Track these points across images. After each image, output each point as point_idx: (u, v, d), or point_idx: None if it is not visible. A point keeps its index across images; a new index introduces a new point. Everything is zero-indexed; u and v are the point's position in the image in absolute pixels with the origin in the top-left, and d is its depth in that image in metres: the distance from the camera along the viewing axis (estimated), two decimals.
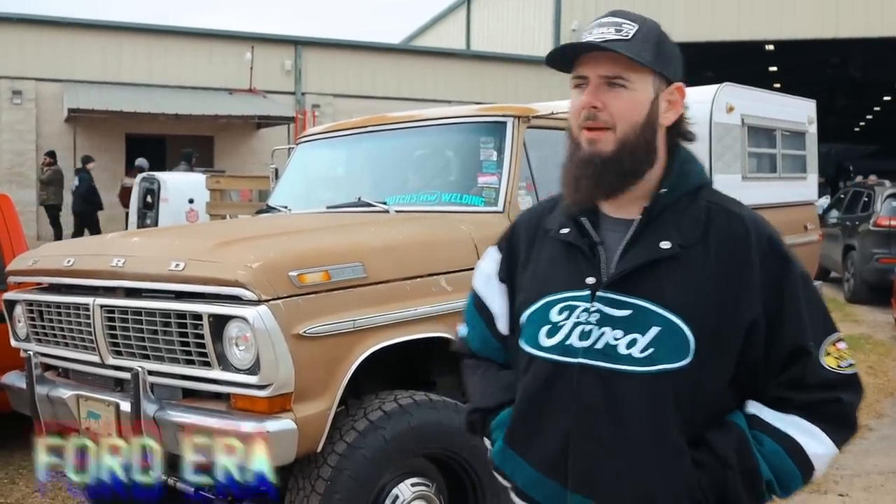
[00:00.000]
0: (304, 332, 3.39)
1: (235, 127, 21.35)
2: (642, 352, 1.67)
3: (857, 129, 46.43)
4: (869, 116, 43.98)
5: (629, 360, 1.68)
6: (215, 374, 3.47)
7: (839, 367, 1.73)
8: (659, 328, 1.67)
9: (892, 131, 41.15)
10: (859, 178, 23.26)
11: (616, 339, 1.69)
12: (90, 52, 20.75)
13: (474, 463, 3.86)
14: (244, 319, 3.31)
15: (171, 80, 21.37)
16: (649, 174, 1.77)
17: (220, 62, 22.04)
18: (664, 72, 1.77)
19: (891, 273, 11.66)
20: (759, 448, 1.69)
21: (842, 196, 16.46)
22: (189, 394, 3.67)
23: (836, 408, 1.73)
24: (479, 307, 2.03)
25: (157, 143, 21.27)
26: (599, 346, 1.70)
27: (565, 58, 1.78)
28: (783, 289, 1.71)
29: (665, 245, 1.70)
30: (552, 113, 4.86)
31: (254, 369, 3.34)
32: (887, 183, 14.82)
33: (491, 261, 2.02)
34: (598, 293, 1.73)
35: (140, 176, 14.82)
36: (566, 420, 1.72)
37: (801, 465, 1.71)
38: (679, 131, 1.83)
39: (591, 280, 1.74)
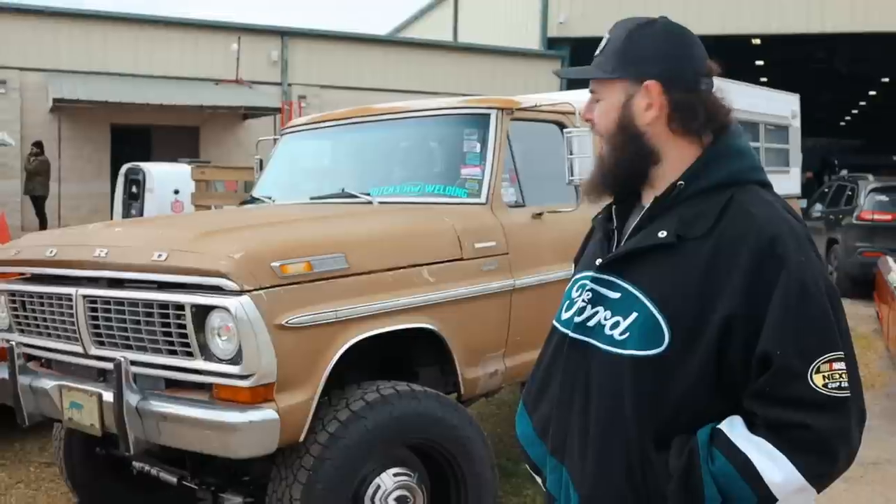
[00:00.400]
0: (287, 322, 3.40)
1: (221, 117, 21.28)
2: (621, 334, 1.72)
3: (842, 124, 46.60)
4: (854, 111, 44.14)
5: (609, 339, 1.73)
6: (198, 364, 3.48)
7: (824, 387, 1.59)
8: (637, 314, 1.70)
9: (878, 126, 41.31)
10: (844, 173, 23.38)
11: (605, 320, 1.75)
12: (75, 41, 20.63)
13: (456, 453, 3.88)
14: (226, 310, 3.32)
15: (157, 71, 21.28)
16: (660, 169, 1.80)
17: (207, 52, 21.95)
18: (629, 74, 1.81)
19: (873, 266, 11.73)
20: (710, 466, 1.60)
21: (826, 190, 16.55)
22: (172, 384, 3.67)
23: (803, 434, 1.59)
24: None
25: (143, 134, 21.19)
26: (591, 323, 1.78)
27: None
28: (771, 293, 1.62)
29: (661, 234, 1.72)
30: (536, 105, 4.88)
31: (236, 359, 3.35)
32: (870, 177, 14.88)
33: None
34: (594, 273, 1.82)
35: (126, 166, 14.80)
36: (557, 389, 1.85)
37: (758, 491, 1.59)
38: (682, 123, 1.79)
39: (599, 261, 1.83)
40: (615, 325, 1.73)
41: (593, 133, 1.91)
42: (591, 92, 1.88)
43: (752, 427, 1.61)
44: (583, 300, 1.81)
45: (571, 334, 1.81)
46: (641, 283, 1.72)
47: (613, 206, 1.90)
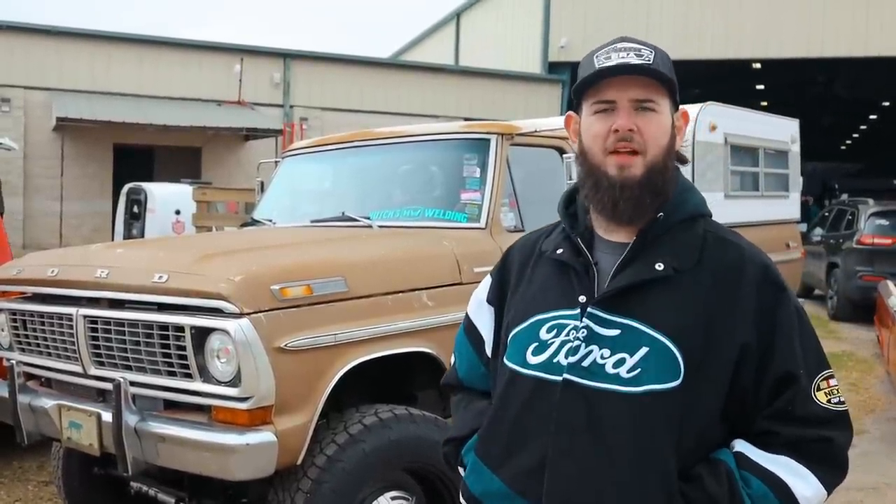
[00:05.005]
0: (286, 345, 3.42)
1: (223, 138, 21.35)
2: (629, 372, 1.65)
3: (843, 148, 46.70)
4: (855, 135, 44.23)
5: (615, 379, 1.65)
6: (197, 385, 3.49)
7: (829, 402, 1.69)
8: (647, 349, 1.65)
9: (878, 150, 41.40)
10: (844, 197, 23.40)
11: (603, 359, 1.67)
12: (79, 60, 20.73)
13: (454, 477, 3.88)
14: (226, 332, 3.33)
15: (160, 91, 21.36)
16: None
17: (210, 74, 22.04)
18: (676, 97, 1.78)
19: (873, 290, 11.73)
20: (747, 490, 1.63)
21: (826, 214, 16.57)
22: (170, 405, 3.68)
23: (826, 448, 1.67)
24: (469, 332, 2.06)
25: (146, 154, 21.26)
26: (586, 363, 1.68)
27: (587, 82, 1.75)
28: (776, 318, 1.68)
29: (659, 266, 1.69)
30: (535, 130, 4.92)
31: (235, 382, 3.36)
32: (871, 201, 14.92)
33: (483, 286, 2.06)
34: (588, 310, 1.71)
35: (128, 186, 14.84)
36: (545, 438, 1.68)
37: None
38: (676, 155, 1.83)
39: (582, 298, 1.73)
40: (619, 363, 1.66)
41: (624, 142, 1.71)
42: (641, 102, 1.72)
43: (769, 447, 1.67)
44: (575, 339, 1.70)
45: (567, 377, 1.68)
46: (646, 318, 1.67)
47: (578, 240, 1.80)
